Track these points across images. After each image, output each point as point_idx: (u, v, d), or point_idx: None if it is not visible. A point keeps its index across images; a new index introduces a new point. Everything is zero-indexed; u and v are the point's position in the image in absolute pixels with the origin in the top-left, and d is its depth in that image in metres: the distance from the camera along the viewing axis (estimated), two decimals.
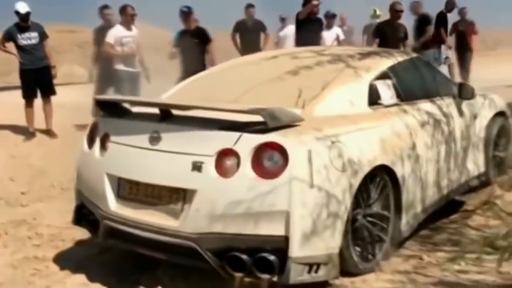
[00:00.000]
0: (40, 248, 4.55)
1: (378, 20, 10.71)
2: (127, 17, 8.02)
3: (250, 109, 3.20)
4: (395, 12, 8.86)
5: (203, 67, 7.25)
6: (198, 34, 8.27)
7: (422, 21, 9.93)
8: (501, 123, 5.49)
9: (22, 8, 7.78)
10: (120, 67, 7.99)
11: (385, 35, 8.74)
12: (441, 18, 10.40)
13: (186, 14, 8.26)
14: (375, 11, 11.09)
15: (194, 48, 8.03)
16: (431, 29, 9.88)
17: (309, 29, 8.48)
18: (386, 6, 9.08)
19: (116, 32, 7.97)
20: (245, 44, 9.52)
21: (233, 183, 3.16)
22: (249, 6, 9.98)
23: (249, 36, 9.69)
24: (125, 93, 7.86)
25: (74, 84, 8.65)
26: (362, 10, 11.44)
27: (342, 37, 10.11)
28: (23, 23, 7.82)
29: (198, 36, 8.22)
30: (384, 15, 10.21)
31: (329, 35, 9.98)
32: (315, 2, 8.33)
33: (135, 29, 8.18)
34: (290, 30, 9.77)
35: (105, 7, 8.65)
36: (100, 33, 8.41)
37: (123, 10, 8.04)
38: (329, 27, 10.09)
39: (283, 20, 10.60)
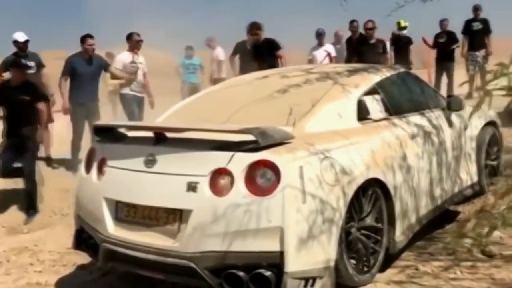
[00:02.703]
0: (42, 274, 4.61)
1: (404, 32, 10.87)
2: (134, 43, 8.15)
3: (242, 128, 3.29)
4: (365, 30, 9.35)
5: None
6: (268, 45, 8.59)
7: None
8: (492, 133, 5.58)
9: (21, 37, 7.92)
10: (126, 91, 8.10)
11: (362, 53, 9.08)
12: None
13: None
14: (399, 23, 10.87)
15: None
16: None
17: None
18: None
19: (124, 58, 8.09)
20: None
21: (228, 201, 3.23)
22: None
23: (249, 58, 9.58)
24: (132, 117, 8.01)
25: None
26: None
27: (333, 54, 10.16)
28: (21, 52, 7.95)
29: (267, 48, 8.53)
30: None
31: (319, 53, 10.11)
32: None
33: (141, 55, 8.31)
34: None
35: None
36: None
37: (129, 36, 8.17)
38: (320, 44, 10.21)
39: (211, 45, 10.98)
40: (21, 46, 7.94)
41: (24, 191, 6.45)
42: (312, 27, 10.39)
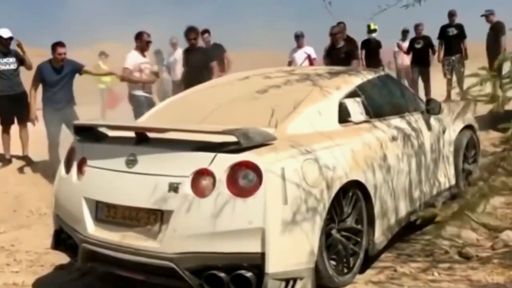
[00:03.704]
0: (19, 275, 4.54)
1: (374, 35, 11.00)
2: (143, 44, 8.07)
3: (224, 129, 3.29)
4: (329, 35, 9.31)
5: None
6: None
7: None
8: (469, 136, 5.67)
9: (6, 33, 7.80)
10: (139, 92, 8.02)
11: (331, 58, 9.15)
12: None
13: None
14: (369, 26, 11.14)
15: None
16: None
17: None
18: (381, 22, 9.40)
19: (134, 58, 8.01)
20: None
21: (209, 202, 3.23)
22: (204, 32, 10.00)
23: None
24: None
25: None
26: (361, 25, 11.46)
27: (313, 55, 10.15)
28: (4, 48, 7.83)
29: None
30: (379, 30, 11.00)
31: (298, 55, 10.08)
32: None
33: (150, 55, 8.25)
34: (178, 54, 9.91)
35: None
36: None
37: (139, 36, 8.07)
38: (300, 46, 10.20)
39: (174, 45, 10.80)
40: (4, 43, 7.83)
41: None
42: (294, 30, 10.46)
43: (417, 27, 11.50)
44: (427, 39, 11.47)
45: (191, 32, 8.48)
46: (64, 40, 7.69)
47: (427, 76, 11.38)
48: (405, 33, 12.61)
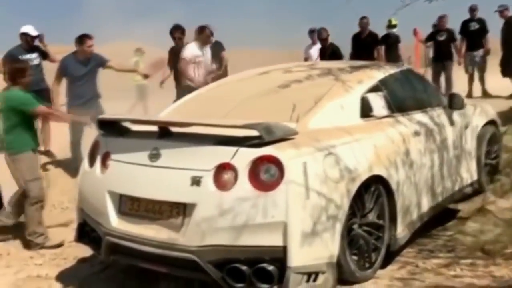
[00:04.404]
0: (43, 267, 4.62)
1: (394, 30, 10.90)
2: (205, 37, 8.11)
3: (246, 124, 3.30)
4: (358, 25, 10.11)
5: None
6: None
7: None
8: (492, 132, 5.61)
9: (33, 31, 7.88)
10: (192, 84, 8.06)
11: (357, 45, 10.06)
12: None
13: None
14: (390, 21, 10.94)
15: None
16: None
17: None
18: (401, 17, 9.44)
19: (192, 50, 8.03)
20: None
21: (231, 196, 3.25)
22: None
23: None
24: None
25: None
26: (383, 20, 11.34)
27: None
28: (28, 45, 7.91)
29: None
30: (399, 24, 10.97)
31: (314, 51, 10.06)
32: None
33: (208, 49, 8.27)
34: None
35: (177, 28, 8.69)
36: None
37: (202, 30, 8.10)
38: (314, 43, 10.16)
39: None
40: (29, 40, 7.91)
41: None
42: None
43: (441, 19, 11.14)
44: (450, 32, 11.18)
45: (175, 31, 8.44)
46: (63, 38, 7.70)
47: (449, 70, 11.21)
48: (436, 27, 11.94)
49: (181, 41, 8.49)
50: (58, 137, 8.08)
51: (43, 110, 5.36)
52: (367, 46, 10.23)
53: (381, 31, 10.95)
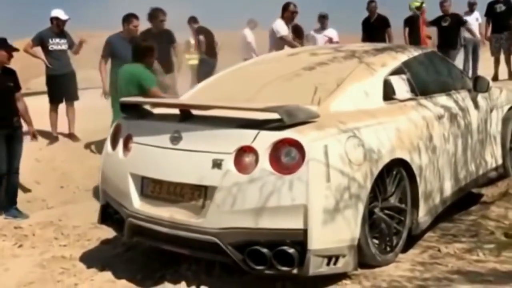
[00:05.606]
0: (67, 248, 4.68)
1: (418, 12, 10.45)
2: (289, 14, 8.14)
3: (267, 107, 3.29)
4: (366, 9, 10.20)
5: None
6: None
7: None
8: None
9: (63, 15, 7.95)
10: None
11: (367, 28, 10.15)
12: None
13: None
14: (410, 5, 10.52)
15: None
16: None
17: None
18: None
19: (283, 26, 8.04)
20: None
21: (252, 179, 3.24)
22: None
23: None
24: None
25: (92, 89, 8.68)
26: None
27: (335, 39, 9.77)
28: (58, 29, 7.97)
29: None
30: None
31: (320, 36, 9.77)
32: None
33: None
34: None
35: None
36: None
37: (286, 7, 8.15)
38: (323, 28, 9.92)
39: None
40: (60, 24, 7.97)
41: (8, 186, 5.84)
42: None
43: (442, 3, 10.56)
44: (455, 18, 10.56)
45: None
46: (87, 22, 7.65)
47: (452, 59, 10.59)
48: (472, 5, 11.50)
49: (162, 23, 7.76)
50: (84, 121, 8.16)
51: (156, 92, 5.44)
52: (377, 29, 10.01)
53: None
